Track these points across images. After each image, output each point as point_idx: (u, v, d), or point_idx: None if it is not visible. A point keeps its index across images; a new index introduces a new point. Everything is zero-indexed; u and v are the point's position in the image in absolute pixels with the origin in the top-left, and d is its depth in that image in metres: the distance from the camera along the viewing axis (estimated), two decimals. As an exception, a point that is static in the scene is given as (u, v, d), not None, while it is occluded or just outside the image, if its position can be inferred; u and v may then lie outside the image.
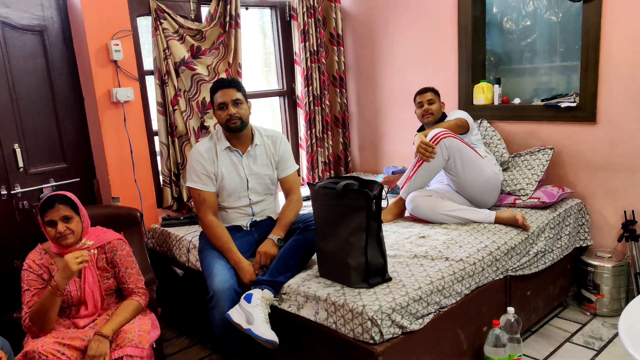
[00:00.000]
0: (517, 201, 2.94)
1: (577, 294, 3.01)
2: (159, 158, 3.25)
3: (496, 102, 3.33)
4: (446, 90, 3.47)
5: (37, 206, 2.70)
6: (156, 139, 3.22)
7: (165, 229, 3.00)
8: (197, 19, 3.32)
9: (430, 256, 2.31)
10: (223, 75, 3.34)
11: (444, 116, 3.11)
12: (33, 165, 2.86)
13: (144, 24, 3.14)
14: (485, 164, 2.85)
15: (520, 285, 2.57)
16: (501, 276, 2.42)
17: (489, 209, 2.89)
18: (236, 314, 2.07)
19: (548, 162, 3.01)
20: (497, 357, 2.22)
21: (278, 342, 2.03)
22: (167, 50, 3.08)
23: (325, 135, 4.00)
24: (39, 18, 2.81)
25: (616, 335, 2.68)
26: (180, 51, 3.14)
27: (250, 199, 2.54)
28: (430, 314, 2.04)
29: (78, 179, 3.02)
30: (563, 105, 3.00)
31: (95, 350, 1.94)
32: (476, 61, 3.42)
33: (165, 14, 3.07)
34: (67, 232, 2.07)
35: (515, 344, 2.30)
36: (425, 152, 2.71)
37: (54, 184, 2.92)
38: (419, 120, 3.17)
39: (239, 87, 2.46)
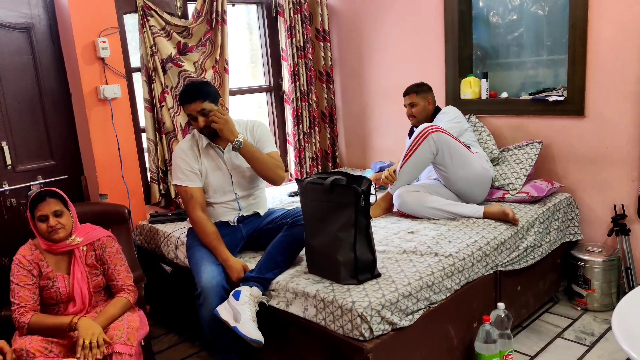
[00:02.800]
0: (505, 196, 2.94)
1: (568, 288, 3.01)
2: (146, 155, 3.23)
3: (483, 97, 3.32)
4: (433, 85, 3.44)
5: (25, 203, 2.69)
6: (143, 135, 3.20)
7: (153, 225, 2.98)
8: (184, 15, 3.31)
9: (419, 252, 2.31)
10: (210, 72, 3.32)
11: (437, 110, 3.10)
12: (21, 163, 2.84)
13: (131, 21, 3.12)
14: (475, 159, 2.84)
15: (510, 281, 2.57)
16: (491, 271, 2.42)
17: (477, 204, 2.89)
18: (224, 311, 2.06)
19: (537, 156, 3.02)
20: (487, 353, 2.21)
21: (263, 342, 2.02)
22: (154, 47, 3.06)
23: (313, 131, 3.99)
24: (25, 16, 2.80)
25: (607, 330, 2.68)
26: (167, 48, 3.12)
27: (236, 193, 2.52)
28: (420, 310, 2.03)
29: (66, 176, 3.00)
30: (551, 99, 3.00)
31: (85, 329, 1.91)
32: (463, 55, 3.41)
33: (152, 11, 3.04)
34: (58, 226, 2.08)
35: (506, 339, 2.30)
36: (386, 179, 2.90)
37: (42, 181, 2.90)
38: None
39: (203, 96, 2.34)
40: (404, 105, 3.12)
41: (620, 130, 2.83)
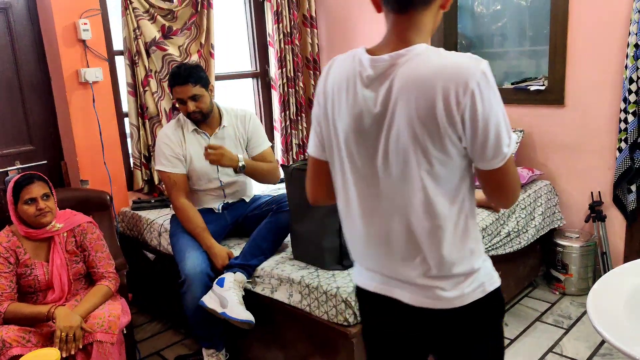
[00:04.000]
0: (488, 183, 2.97)
1: (547, 273, 3.08)
2: (129, 140, 3.18)
3: (468, 86, 3.34)
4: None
5: (2, 189, 2.63)
6: (126, 120, 3.15)
7: (136, 212, 2.95)
8: (168, -2, 3.24)
9: (403, 238, 2.33)
10: (195, 57, 3.27)
11: None
12: (-3, 147, 2.75)
13: (114, 3, 3.05)
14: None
15: (491, 266, 2.62)
16: (472, 257, 2.45)
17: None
18: (210, 300, 2.06)
19: (518, 144, 3.06)
20: (468, 336, 2.26)
21: (254, 322, 2.03)
22: (137, 30, 3.00)
23: (299, 118, 3.97)
24: (2, -5, 2.71)
25: (584, 313, 2.75)
26: (151, 31, 3.06)
27: (221, 181, 2.50)
28: (403, 294, 2.06)
29: (45, 162, 2.93)
30: (532, 88, 3.05)
31: (62, 321, 1.87)
32: (448, 44, 3.42)
33: (135, -7, 2.98)
34: (47, 209, 2.05)
35: (486, 322, 2.35)
36: None
37: (20, 166, 2.83)
38: None
39: (195, 80, 2.31)
40: None
41: (598, 120, 2.89)
